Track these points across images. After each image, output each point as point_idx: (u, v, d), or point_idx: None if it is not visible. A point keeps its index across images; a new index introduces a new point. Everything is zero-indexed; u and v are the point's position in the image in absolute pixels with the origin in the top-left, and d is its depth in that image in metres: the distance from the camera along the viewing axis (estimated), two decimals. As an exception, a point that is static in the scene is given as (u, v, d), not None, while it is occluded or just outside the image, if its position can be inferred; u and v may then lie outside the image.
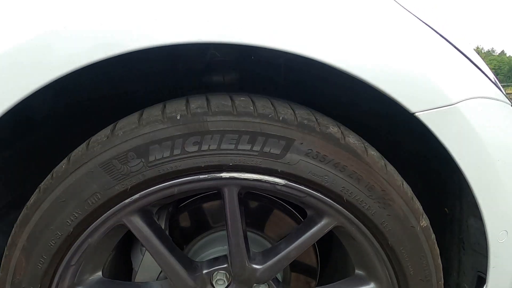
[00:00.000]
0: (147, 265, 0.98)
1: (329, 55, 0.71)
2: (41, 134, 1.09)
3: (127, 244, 1.06)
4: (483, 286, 0.93)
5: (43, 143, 1.10)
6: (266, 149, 0.75)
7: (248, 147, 0.75)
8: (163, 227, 0.99)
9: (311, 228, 0.86)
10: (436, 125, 0.75)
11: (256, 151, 0.75)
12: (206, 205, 1.13)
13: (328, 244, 1.27)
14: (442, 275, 0.92)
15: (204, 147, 0.74)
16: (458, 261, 1.06)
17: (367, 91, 1.07)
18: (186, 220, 1.14)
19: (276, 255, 0.87)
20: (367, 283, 0.91)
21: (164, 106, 0.79)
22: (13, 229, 0.81)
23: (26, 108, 0.78)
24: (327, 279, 1.28)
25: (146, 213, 0.82)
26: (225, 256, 0.91)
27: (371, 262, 0.88)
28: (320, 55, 0.71)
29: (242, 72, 1.19)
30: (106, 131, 0.78)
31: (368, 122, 1.02)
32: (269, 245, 1.14)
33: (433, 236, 0.89)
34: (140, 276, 0.99)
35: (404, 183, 0.85)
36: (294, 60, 1.15)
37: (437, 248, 0.90)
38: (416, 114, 0.74)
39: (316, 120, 0.79)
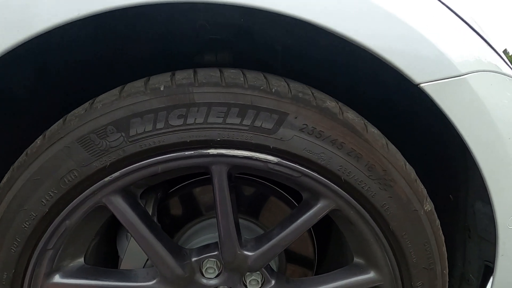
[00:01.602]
0: (133, 251, 0.92)
1: (329, 20, 0.65)
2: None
3: (113, 229, 1.00)
4: (491, 275, 0.87)
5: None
6: (257, 124, 0.69)
7: (238, 121, 0.69)
8: (150, 213, 0.94)
9: (306, 212, 0.80)
10: (442, 98, 0.69)
11: (246, 125, 0.69)
12: (197, 190, 1.07)
13: (326, 233, 1.21)
14: (446, 264, 0.86)
15: (190, 120, 0.68)
16: (463, 250, 1.00)
17: (366, 70, 1.02)
18: (176, 206, 1.08)
19: (269, 241, 0.81)
20: (366, 272, 0.86)
21: (148, 79, 0.74)
22: (-14, 210, 0.75)
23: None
24: (324, 269, 1.22)
25: (129, 194, 0.77)
26: (216, 243, 0.85)
27: (371, 249, 0.82)
28: (316, 18, 0.65)
29: (236, 55, 1.13)
30: (85, 104, 0.73)
31: (368, 106, 0.96)
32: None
33: (438, 221, 0.83)
34: (125, 263, 0.93)
35: (407, 164, 0.79)
36: (292, 45, 1.10)
37: (442, 234, 0.84)
38: (421, 85, 0.68)
39: (312, 94, 0.73)
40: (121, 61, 1.08)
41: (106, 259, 1.00)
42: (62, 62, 0.99)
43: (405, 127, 1.07)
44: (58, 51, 0.92)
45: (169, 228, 1.06)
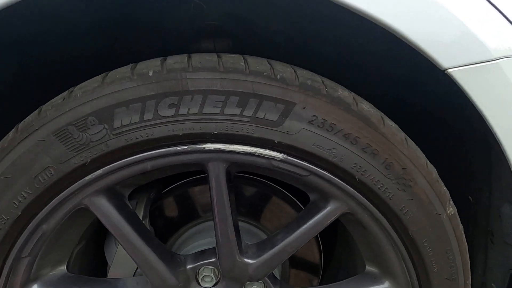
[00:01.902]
0: (122, 258, 0.84)
1: None
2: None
3: (100, 233, 0.92)
4: (518, 286, 0.78)
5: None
6: (260, 115, 0.61)
7: (238, 111, 0.60)
8: (142, 215, 0.85)
9: (314, 216, 0.71)
10: (471, 84, 0.60)
11: (248, 116, 0.61)
12: (194, 190, 0.99)
13: (333, 235, 1.13)
14: (470, 273, 0.78)
15: (183, 110, 0.60)
16: (485, 257, 0.92)
17: (379, 63, 0.93)
18: (170, 207, 1.00)
19: (273, 247, 0.73)
20: (380, 282, 0.77)
21: (136, 65, 0.65)
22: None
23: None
24: (331, 276, 1.14)
25: (114, 195, 0.68)
26: (213, 249, 0.77)
27: (386, 257, 0.74)
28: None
29: (236, 43, 1.05)
30: (64, 93, 0.64)
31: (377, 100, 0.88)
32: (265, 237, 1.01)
33: (461, 226, 0.75)
34: (114, 271, 0.85)
35: (428, 162, 0.70)
36: (295, 37, 1.02)
37: (465, 241, 0.76)
38: (449, 70, 0.60)
39: (322, 81, 0.65)
40: (111, 54, 1.00)
41: (92, 267, 0.92)
42: (48, 54, 0.92)
43: (419, 121, 0.99)
44: (43, 42, 0.85)
45: (162, 231, 0.98)
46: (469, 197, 0.95)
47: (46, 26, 0.78)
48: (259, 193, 1.01)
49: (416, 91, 0.84)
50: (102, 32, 0.93)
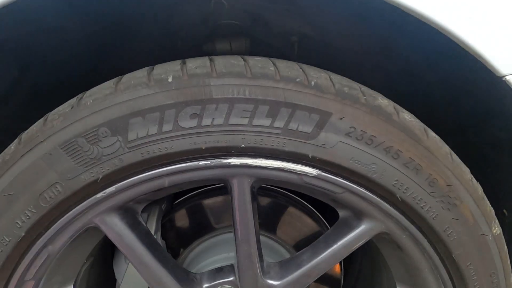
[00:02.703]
0: (132, 276, 0.78)
1: None
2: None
3: (108, 248, 0.85)
4: None
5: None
6: (293, 126, 0.54)
7: (268, 122, 0.54)
8: (153, 229, 0.79)
9: (346, 235, 0.65)
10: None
11: (279, 128, 0.54)
12: (208, 201, 0.92)
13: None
14: (513, 297, 0.72)
15: (206, 121, 0.53)
16: (521, 276, 0.85)
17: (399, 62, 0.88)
18: (183, 219, 0.94)
19: (299, 268, 0.67)
20: (414, 306, 0.71)
21: (152, 68, 0.58)
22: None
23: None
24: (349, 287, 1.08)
25: (127, 212, 0.62)
26: (231, 266, 0.71)
27: (423, 280, 0.67)
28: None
29: (253, 43, 0.99)
30: (72, 100, 0.58)
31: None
32: (283, 251, 0.94)
33: (506, 247, 0.68)
34: (124, 289, 0.79)
35: (473, 178, 0.64)
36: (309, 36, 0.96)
37: (509, 262, 0.69)
38: (507, 77, 0.53)
39: (360, 89, 0.58)
40: (119, 52, 0.94)
41: (99, 283, 0.86)
42: (56, 50, 0.86)
43: (451, 128, 0.93)
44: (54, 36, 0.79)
45: (174, 244, 0.92)
46: (504, 210, 0.89)
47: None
48: (276, 203, 0.95)
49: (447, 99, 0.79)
50: (109, 30, 0.88)
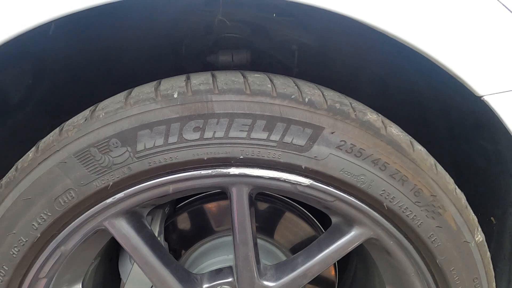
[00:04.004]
0: (137, 276, 0.82)
1: (383, 21, 0.54)
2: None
3: (114, 248, 0.90)
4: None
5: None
6: (288, 139, 0.59)
7: (265, 135, 0.59)
8: (157, 231, 0.83)
9: (337, 240, 0.69)
10: (508, 112, 0.58)
11: (275, 141, 0.59)
12: (209, 206, 0.97)
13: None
14: (496, 301, 0.75)
15: (208, 134, 0.58)
16: (508, 281, 0.89)
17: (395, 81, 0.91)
18: (185, 222, 0.98)
19: (293, 271, 0.71)
20: (402, 308, 0.75)
21: (159, 83, 0.63)
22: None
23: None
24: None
25: (134, 216, 0.67)
26: (230, 268, 0.75)
27: (410, 283, 0.72)
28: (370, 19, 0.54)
29: (254, 54, 1.03)
30: (86, 112, 0.63)
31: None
32: (279, 254, 0.98)
33: (489, 254, 0.72)
34: (128, 288, 0.83)
35: (457, 188, 0.68)
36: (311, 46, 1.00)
37: (492, 269, 0.73)
38: (484, 97, 0.57)
39: (351, 104, 0.63)
40: (122, 61, 0.99)
41: (105, 281, 0.90)
42: (61, 61, 0.91)
43: (439, 139, 0.96)
44: (57, 47, 0.84)
45: (176, 246, 0.96)
46: (492, 218, 0.93)
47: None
48: (272, 208, 0.99)
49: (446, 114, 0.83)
50: (111, 37, 0.92)
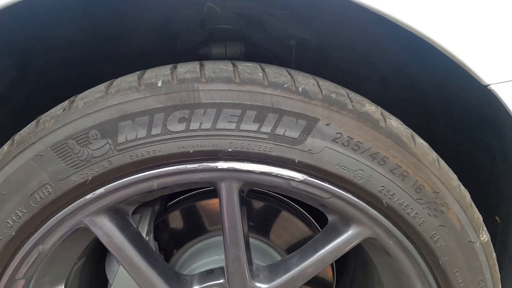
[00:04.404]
0: (123, 277, 0.78)
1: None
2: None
3: (101, 248, 0.86)
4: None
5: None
6: (280, 131, 0.55)
7: (255, 127, 0.55)
8: (146, 230, 0.80)
9: (334, 240, 0.65)
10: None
11: (266, 133, 0.55)
12: (201, 204, 0.93)
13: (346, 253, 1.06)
14: (501, 305, 0.71)
15: (194, 125, 0.54)
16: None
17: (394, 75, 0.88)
18: (176, 221, 0.94)
19: (287, 272, 0.67)
20: (403, 312, 0.71)
21: (143, 72, 0.59)
22: None
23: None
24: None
25: (117, 214, 0.63)
26: (222, 268, 0.71)
27: (411, 286, 0.67)
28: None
29: (249, 47, 0.99)
30: (64, 103, 0.59)
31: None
32: (275, 255, 0.95)
33: (495, 255, 0.68)
34: (115, 290, 0.80)
35: (461, 184, 0.64)
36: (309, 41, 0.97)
37: (498, 270, 0.69)
38: (491, 86, 0.54)
39: (347, 95, 0.59)
40: (114, 56, 0.96)
41: (91, 283, 0.87)
42: (51, 56, 0.88)
43: (442, 136, 0.93)
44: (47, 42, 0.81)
45: (166, 246, 0.92)
46: (496, 217, 0.89)
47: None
48: (267, 207, 0.95)
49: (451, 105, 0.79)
50: (103, 34, 0.89)
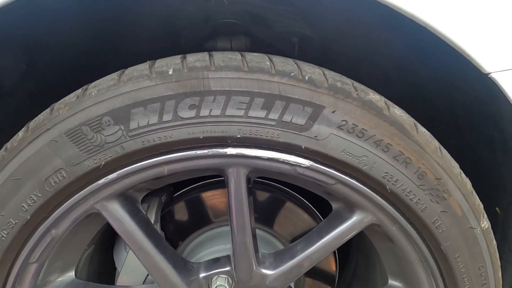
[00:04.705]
0: (132, 265, 0.80)
1: None
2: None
3: (109, 236, 0.88)
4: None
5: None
6: (287, 118, 0.57)
7: (263, 114, 0.56)
8: (153, 219, 0.81)
9: (338, 226, 0.67)
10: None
11: (273, 119, 0.57)
12: (207, 195, 0.95)
13: (347, 242, 1.08)
14: (501, 291, 0.73)
15: (204, 112, 0.56)
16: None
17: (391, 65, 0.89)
18: (182, 211, 0.96)
19: (292, 258, 0.69)
20: (405, 298, 0.73)
21: (154, 62, 0.61)
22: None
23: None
24: (344, 286, 1.09)
25: (128, 200, 0.65)
26: (228, 257, 0.73)
27: (414, 272, 0.69)
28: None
29: (253, 42, 1.01)
30: (78, 91, 0.61)
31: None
32: (279, 245, 0.96)
33: (495, 242, 0.70)
34: (123, 278, 0.81)
35: (462, 172, 0.66)
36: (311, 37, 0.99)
37: (498, 257, 0.71)
38: (492, 74, 0.55)
39: (352, 84, 0.60)
40: (118, 53, 0.97)
41: (99, 271, 0.88)
42: (58, 50, 0.89)
43: (445, 127, 0.94)
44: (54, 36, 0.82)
45: (173, 236, 0.94)
46: (497, 208, 0.90)
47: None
48: (271, 197, 0.97)
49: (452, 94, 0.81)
50: (107, 29, 0.90)
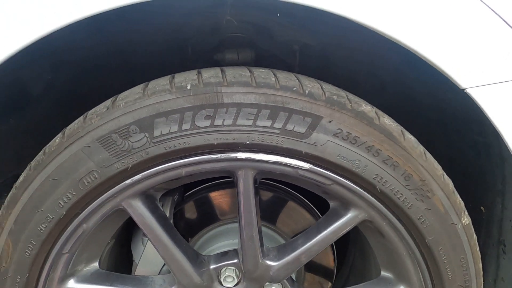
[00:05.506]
0: (148, 257, 0.89)
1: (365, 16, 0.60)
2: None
3: (127, 232, 0.96)
4: (529, 295, 0.81)
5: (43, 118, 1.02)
6: (289, 127, 0.65)
7: (269, 123, 0.65)
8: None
9: (334, 222, 0.75)
10: (489, 104, 0.64)
11: (278, 128, 0.65)
12: (215, 194, 1.03)
13: (344, 239, 1.16)
14: (482, 281, 0.81)
15: (218, 121, 0.64)
16: (496, 266, 0.94)
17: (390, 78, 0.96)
18: (192, 210, 1.04)
19: (294, 251, 0.77)
20: (395, 287, 0.81)
21: (173, 77, 0.70)
22: (1, 210, 0.72)
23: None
24: (343, 280, 1.17)
25: (149, 198, 0.73)
26: (235, 250, 0.81)
27: (402, 263, 0.77)
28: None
29: (258, 53, 1.09)
30: (107, 102, 0.69)
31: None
32: (282, 241, 1.04)
33: (475, 236, 0.78)
34: (140, 269, 0.90)
35: (445, 174, 0.74)
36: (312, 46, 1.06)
37: (479, 250, 0.79)
38: (468, 90, 0.63)
39: (347, 96, 0.69)
40: (129, 61, 1.04)
41: (118, 263, 0.97)
42: (75, 61, 0.97)
43: (437, 135, 1.02)
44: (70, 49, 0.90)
45: (184, 233, 1.02)
46: (481, 207, 0.98)
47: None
48: (278, 198, 1.05)
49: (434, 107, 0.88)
50: (119, 46, 0.96)
